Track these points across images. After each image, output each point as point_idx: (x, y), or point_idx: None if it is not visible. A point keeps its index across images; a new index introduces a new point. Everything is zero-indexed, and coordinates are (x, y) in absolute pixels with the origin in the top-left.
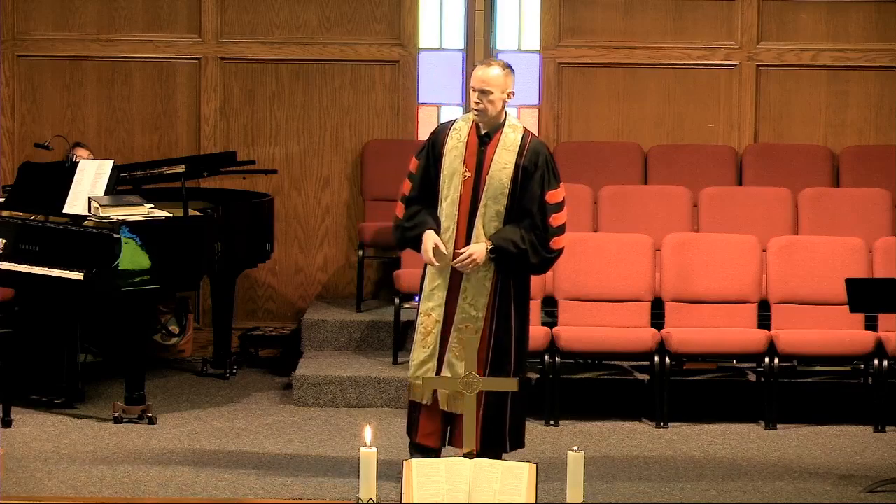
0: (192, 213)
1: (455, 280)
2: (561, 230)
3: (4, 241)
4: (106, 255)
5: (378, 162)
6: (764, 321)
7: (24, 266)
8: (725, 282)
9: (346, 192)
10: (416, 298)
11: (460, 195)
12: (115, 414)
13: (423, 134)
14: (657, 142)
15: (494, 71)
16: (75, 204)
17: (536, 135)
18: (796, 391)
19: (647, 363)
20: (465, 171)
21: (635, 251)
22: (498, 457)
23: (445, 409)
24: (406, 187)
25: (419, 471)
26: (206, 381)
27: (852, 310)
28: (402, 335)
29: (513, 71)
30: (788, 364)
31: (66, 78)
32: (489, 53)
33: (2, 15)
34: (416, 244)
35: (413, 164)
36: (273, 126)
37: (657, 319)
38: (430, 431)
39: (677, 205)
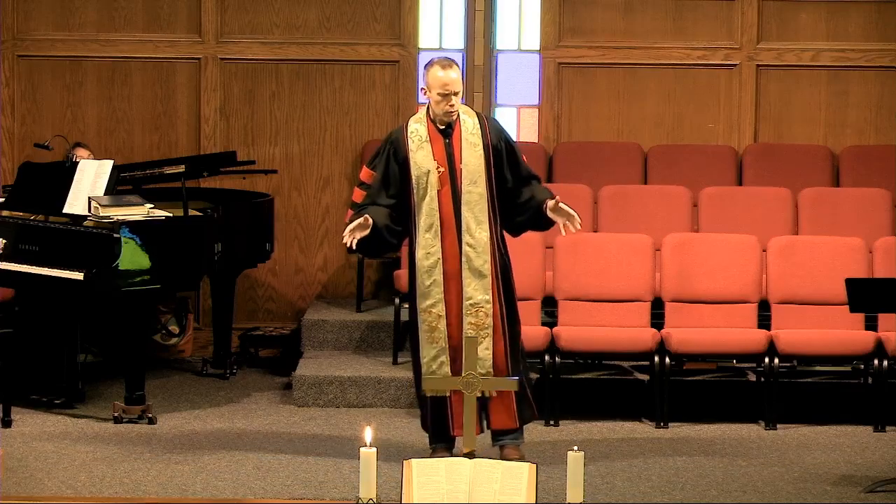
0: (192, 213)
1: (453, 271)
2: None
3: (4, 241)
4: (106, 255)
5: None
6: (764, 321)
7: (24, 266)
8: (725, 282)
9: (346, 192)
10: (414, 297)
11: (439, 189)
12: (115, 414)
13: None
14: (657, 142)
15: (456, 72)
16: (75, 204)
17: (490, 122)
18: (796, 391)
19: (647, 363)
20: (439, 167)
21: (635, 251)
22: (526, 421)
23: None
24: (358, 195)
25: (419, 471)
26: (206, 381)
27: (852, 310)
28: (402, 335)
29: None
30: (788, 364)
31: (66, 78)
32: (489, 53)
33: (2, 15)
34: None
35: (366, 173)
36: (273, 126)
37: (657, 319)
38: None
39: (677, 205)
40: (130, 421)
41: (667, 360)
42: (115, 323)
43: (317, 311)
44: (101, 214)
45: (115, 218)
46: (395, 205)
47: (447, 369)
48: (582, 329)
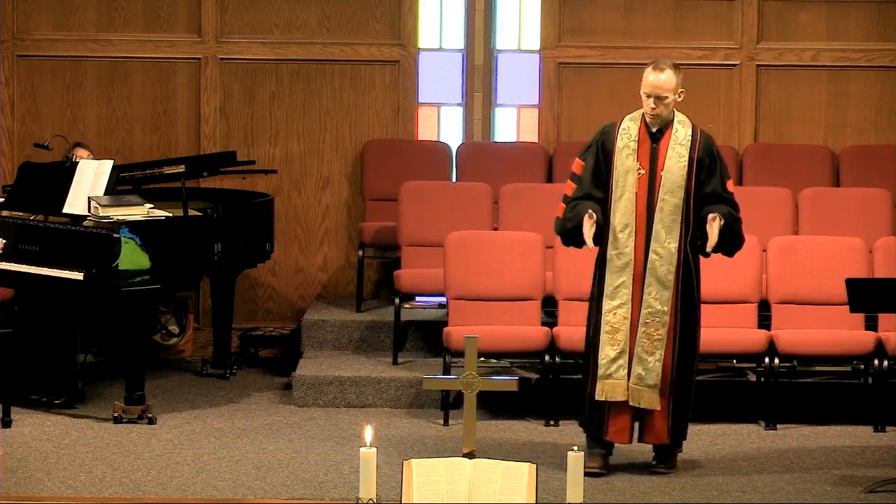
0: (192, 213)
1: (638, 276)
2: (741, 222)
3: (4, 241)
4: (106, 255)
5: (378, 162)
6: (764, 321)
7: (24, 266)
8: (725, 282)
9: (346, 192)
10: (600, 295)
11: (636, 192)
12: (115, 414)
13: (423, 134)
14: None
15: (667, 75)
16: (75, 204)
17: (704, 137)
18: (796, 391)
19: None
20: (640, 169)
21: None
22: (677, 448)
23: (635, 404)
24: (569, 188)
25: (419, 471)
26: (206, 381)
27: (852, 310)
28: (402, 335)
29: (680, 69)
30: (788, 364)
31: (66, 78)
32: (489, 53)
33: (2, 15)
34: (577, 235)
35: (577, 165)
36: (273, 126)
37: None
38: (621, 427)
39: None
40: (130, 421)
41: None
42: (115, 323)
43: (317, 311)
44: (101, 214)
45: (115, 218)
46: (605, 198)
47: (624, 373)
48: (582, 329)
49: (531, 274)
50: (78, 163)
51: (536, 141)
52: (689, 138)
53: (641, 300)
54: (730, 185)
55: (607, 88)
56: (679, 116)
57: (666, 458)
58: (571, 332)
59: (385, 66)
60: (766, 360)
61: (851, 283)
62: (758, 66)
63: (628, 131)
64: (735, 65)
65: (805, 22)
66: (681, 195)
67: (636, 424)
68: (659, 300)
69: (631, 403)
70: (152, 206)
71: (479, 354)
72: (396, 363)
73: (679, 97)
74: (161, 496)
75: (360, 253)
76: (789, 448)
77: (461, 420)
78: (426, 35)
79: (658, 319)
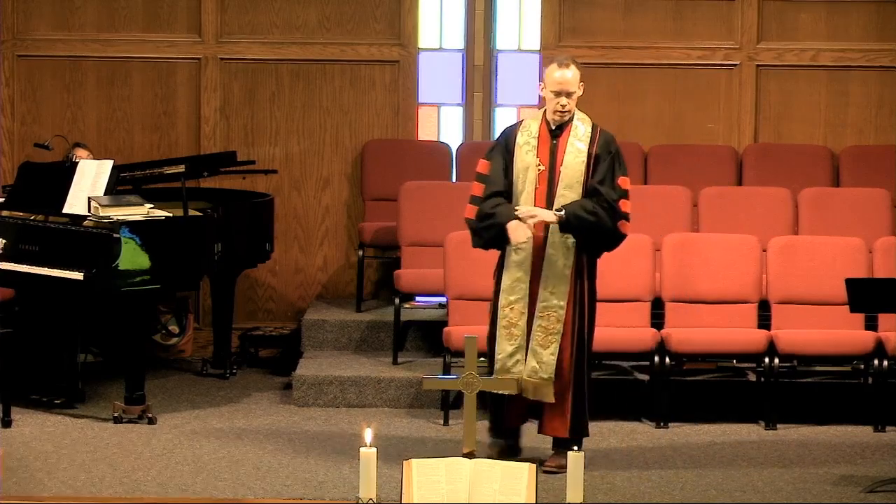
0: (192, 213)
1: (536, 270)
2: (628, 217)
3: (4, 241)
4: (106, 255)
5: (378, 162)
6: (764, 321)
7: (25, 266)
8: (725, 282)
9: (346, 192)
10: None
11: (535, 188)
12: (115, 414)
13: (423, 134)
14: (657, 142)
15: (571, 71)
16: (75, 204)
17: (603, 134)
18: (796, 391)
19: (647, 363)
20: (539, 165)
21: (636, 251)
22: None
23: (531, 398)
24: (478, 188)
25: (419, 471)
26: (206, 381)
27: (852, 310)
28: (402, 335)
29: (579, 63)
30: (788, 364)
31: (66, 78)
32: (489, 53)
33: (2, 15)
34: (497, 240)
35: (483, 165)
36: (273, 126)
37: (657, 319)
38: (519, 413)
39: (677, 205)
40: (130, 421)
41: (667, 360)
42: (115, 323)
43: (317, 311)
44: (101, 214)
45: (115, 218)
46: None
47: (522, 367)
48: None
49: None
50: (78, 163)
51: None
52: (589, 134)
53: (538, 294)
54: (624, 183)
55: (607, 88)
56: (579, 114)
57: (564, 448)
58: None
59: (385, 66)
60: (766, 360)
61: (851, 283)
62: (758, 66)
63: (529, 128)
64: (735, 65)
65: (805, 22)
66: (579, 190)
67: (534, 413)
68: (555, 294)
69: (525, 396)
70: (152, 206)
71: (479, 354)
72: (396, 363)
73: (580, 91)
74: (161, 496)
75: (360, 253)
76: (789, 448)
77: (461, 420)
78: (426, 35)
79: (554, 314)
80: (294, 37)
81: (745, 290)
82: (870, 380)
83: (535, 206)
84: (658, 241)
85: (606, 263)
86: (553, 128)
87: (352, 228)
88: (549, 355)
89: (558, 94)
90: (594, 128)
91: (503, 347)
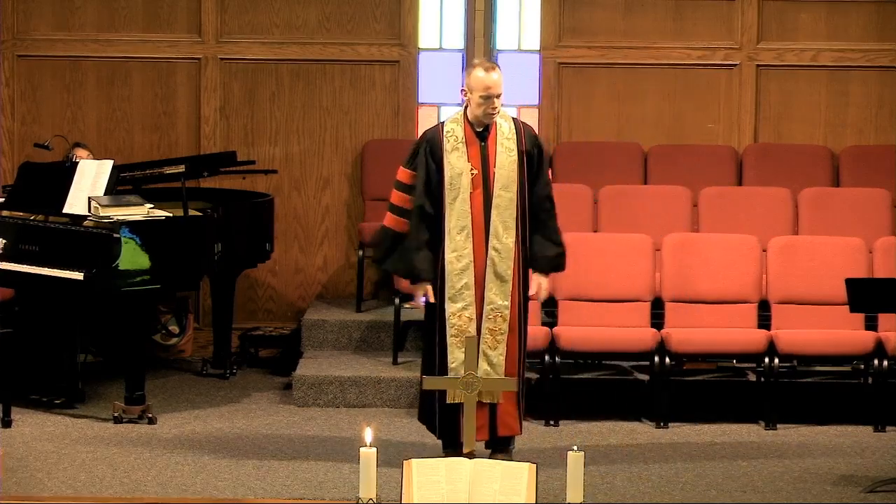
0: (192, 213)
1: (479, 275)
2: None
3: (4, 241)
4: (106, 255)
5: (378, 162)
6: (764, 321)
7: (25, 266)
8: (725, 282)
9: (346, 192)
10: (423, 300)
11: (471, 193)
12: (115, 414)
13: None
14: (657, 142)
15: (497, 73)
16: (75, 204)
17: (526, 128)
18: (796, 391)
19: (647, 363)
20: (472, 169)
21: (635, 251)
22: (512, 441)
23: (487, 400)
24: (398, 198)
25: (419, 471)
26: (206, 381)
27: (852, 310)
28: (402, 335)
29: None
30: (788, 364)
31: (66, 78)
32: (489, 53)
33: (2, 15)
34: (398, 274)
35: (405, 174)
36: (273, 126)
37: (657, 319)
38: (479, 426)
39: (677, 205)
40: (130, 421)
41: (667, 360)
42: (115, 323)
43: (317, 311)
44: (101, 214)
45: (115, 218)
46: (438, 210)
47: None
48: (582, 329)
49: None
50: (78, 163)
51: None
52: (514, 131)
53: (483, 298)
54: (549, 175)
55: (607, 88)
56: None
57: (504, 447)
58: (571, 332)
59: (385, 66)
60: (766, 360)
61: (851, 283)
62: (758, 66)
63: (454, 133)
64: (735, 65)
65: (805, 22)
66: (515, 189)
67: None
68: (500, 295)
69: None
70: (152, 206)
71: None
72: (396, 363)
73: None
74: (161, 496)
75: (360, 253)
76: (789, 448)
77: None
78: (426, 35)
79: (500, 314)
80: (294, 37)
81: (745, 290)
82: (870, 380)
83: (471, 209)
84: (658, 241)
85: (606, 263)
86: (478, 130)
87: (352, 228)
88: (499, 356)
89: (488, 97)
90: (516, 123)
91: (455, 356)
